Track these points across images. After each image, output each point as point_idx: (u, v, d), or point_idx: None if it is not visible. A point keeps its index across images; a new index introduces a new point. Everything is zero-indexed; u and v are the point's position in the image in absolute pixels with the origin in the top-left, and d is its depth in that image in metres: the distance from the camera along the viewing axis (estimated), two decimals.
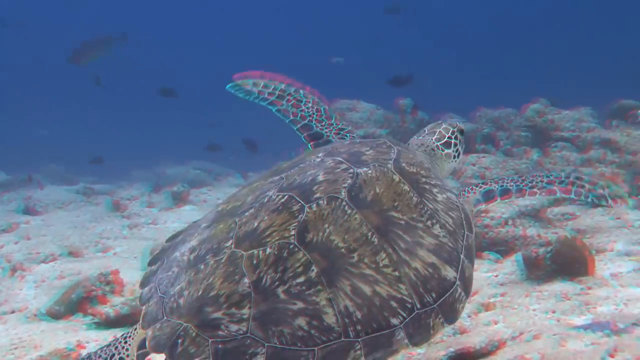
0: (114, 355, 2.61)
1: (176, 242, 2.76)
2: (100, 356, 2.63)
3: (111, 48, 16.86)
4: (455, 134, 3.43)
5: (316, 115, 3.47)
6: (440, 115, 16.11)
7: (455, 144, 3.40)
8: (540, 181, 3.31)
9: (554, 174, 3.42)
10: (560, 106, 14.74)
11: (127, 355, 2.60)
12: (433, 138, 3.41)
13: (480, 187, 3.26)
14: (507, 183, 3.27)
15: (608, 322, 4.43)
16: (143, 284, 2.61)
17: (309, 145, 3.44)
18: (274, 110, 3.51)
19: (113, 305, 5.30)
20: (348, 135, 3.46)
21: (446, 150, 3.37)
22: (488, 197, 3.17)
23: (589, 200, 3.36)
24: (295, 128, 3.48)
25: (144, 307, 2.42)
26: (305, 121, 3.47)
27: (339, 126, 3.51)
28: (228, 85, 3.53)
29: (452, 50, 45.55)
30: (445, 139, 3.39)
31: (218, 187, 15.18)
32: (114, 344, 2.67)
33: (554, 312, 4.81)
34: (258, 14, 53.38)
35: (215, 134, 18.96)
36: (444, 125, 3.45)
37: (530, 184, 3.27)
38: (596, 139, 10.10)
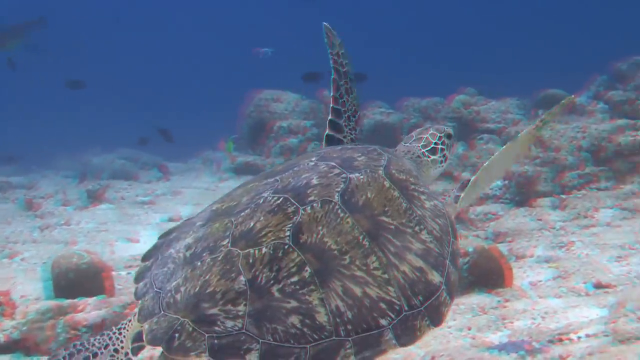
0: (107, 345, 2.64)
1: (170, 239, 2.84)
2: (93, 344, 2.66)
3: (29, 33, 15.90)
4: (443, 139, 3.42)
5: (350, 113, 3.61)
6: (369, 103, 16.15)
7: (442, 149, 3.41)
8: None
9: None
10: (488, 96, 14.89)
11: (122, 347, 2.64)
12: (419, 145, 3.41)
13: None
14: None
15: (523, 341, 4.32)
16: (138, 279, 2.68)
17: (326, 133, 3.59)
18: (331, 76, 3.59)
19: (2, 330, 4.79)
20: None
21: (432, 157, 3.38)
22: (463, 185, 3.15)
23: None
24: (331, 106, 3.59)
25: (139, 302, 2.49)
26: (342, 109, 3.60)
27: (356, 134, 3.66)
28: (325, 23, 3.58)
29: (382, 39, 45.53)
30: (431, 146, 3.39)
31: (139, 182, 14.61)
32: (108, 335, 2.71)
33: (469, 329, 4.66)
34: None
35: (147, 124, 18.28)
36: (431, 131, 3.45)
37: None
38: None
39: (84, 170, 15.64)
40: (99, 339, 2.72)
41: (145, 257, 2.84)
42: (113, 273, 6.23)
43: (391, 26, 47.32)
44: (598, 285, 5.45)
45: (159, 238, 2.97)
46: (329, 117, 3.59)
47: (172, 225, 9.30)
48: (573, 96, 3.20)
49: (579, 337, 4.31)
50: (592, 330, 4.39)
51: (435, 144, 3.39)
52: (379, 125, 13.66)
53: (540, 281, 5.75)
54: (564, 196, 8.51)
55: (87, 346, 2.68)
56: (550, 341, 4.30)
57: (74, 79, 15.97)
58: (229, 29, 46.68)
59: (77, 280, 5.36)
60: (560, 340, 4.29)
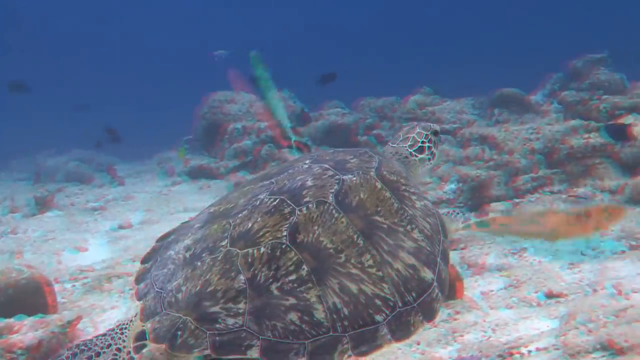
0: (110, 345, 2.69)
1: (168, 242, 2.91)
2: (96, 344, 2.70)
3: None
4: (429, 137, 3.55)
5: None
6: (326, 103, 16.03)
7: (429, 147, 3.54)
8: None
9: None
10: (444, 95, 14.91)
11: (124, 346, 2.69)
12: (406, 145, 3.55)
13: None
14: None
15: (473, 357, 4.22)
16: (138, 280, 2.74)
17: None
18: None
19: None
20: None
21: (420, 156, 3.52)
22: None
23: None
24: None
25: (141, 302, 2.55)
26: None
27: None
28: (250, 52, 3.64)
29: (336, 37, 45.47)
30: (418, 145, 3.53)
31: (91, 186, 14.23)
32: (110, 334, 2.76)
33: (418, 343, 4.53)
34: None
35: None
36: (417, 130, 3.58)
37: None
38: (474, 135, 10.03)
39: (38, 172, 15.29)
40: (101, 339, 2.77)
41: (145, 260, 2.91)
42: (57, 286, 6.00)
43: (355, 25, 47.21)
44: (549, 295, 5.39)
45: (157, 241, 3.05)
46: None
47: (121, 233, 9.12)
48: None
49: (529, 351, 4.23)
50: (542, 343, 4.32)
51: (422, 142, 3.53)
52: (334, 127, 13.52)
53: (492, 291, 5.66)
54: (517, 200, 8.47)
55: (89, 346, 2.72)
56: (501, 356, 4.21)
57: (16, 81, 15.35)
58: (193, 26, 46.01)
59: (16, 297, 5.11)
60: (511, 354, 4.21)
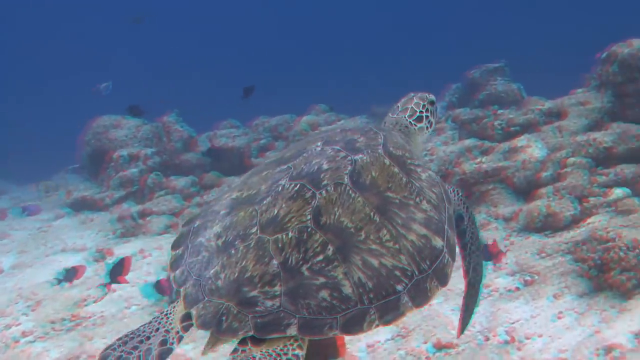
0: (158, 328, 2.84)
1: (196, 228, 3.04)
2: (144, 331, 2.85)
3: None
4: (426, 106, 3.72)
5: None
6: (220, 122, 15.45)
7: (427, 117, 3.71)
8: (473, 260, 3.48)
9: (479, 263, 3.53)
10: (340, 111, 14.63)
11: (172, 328, 2.81)
12: (406, 115, 3.71)
13: (461, 203, 3.48)
14: (469, 228, 3.49)
15: None
16: (173, 267, 2.90)
17: None
18: None
19: None
20: None
21: (419, 125, 3.68)
22: (455, 223, 3.32)
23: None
24: None
25: (182, 289, 2.74)
26: None
27: None
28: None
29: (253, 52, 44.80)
30: (417, 115, 3.69)
31: None
32: (157, 320, 2.90)
33: None
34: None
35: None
36: (415, 101, 3.74)
37: (469, 252, 3.46)
38: None
39: None
40: (147, 326, 2.89)
41: (175, 246, 3.04)
42: None
43: (265, 39, 46.66)
44: (439, 346, 5.01)
45: (182, 226, 3.18)
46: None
47: None
48: None
49: None
50: None
51: (420, 112, 3.69)
52: (224, 151, 12.89)
53: (379, 342, 5.22)
54: None
55: (138, 333, 2.85)
56: None
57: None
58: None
59: None
60: None
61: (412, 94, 3.81)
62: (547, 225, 7.19)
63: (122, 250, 9.10)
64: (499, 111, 11.12)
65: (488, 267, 6.57)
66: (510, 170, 8.24)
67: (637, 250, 5.35)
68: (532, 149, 8.56)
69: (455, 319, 5.57)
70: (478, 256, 3.48)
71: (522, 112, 10.35)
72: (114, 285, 7.29)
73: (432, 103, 3.77)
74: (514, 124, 10.07)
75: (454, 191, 3.47)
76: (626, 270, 5.25)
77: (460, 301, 5.85)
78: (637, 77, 8.68)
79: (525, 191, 8.10)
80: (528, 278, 6.22)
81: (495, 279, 6.35)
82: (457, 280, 5.96)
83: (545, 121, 9.90)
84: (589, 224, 6.94)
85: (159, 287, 6.87)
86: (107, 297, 7.26)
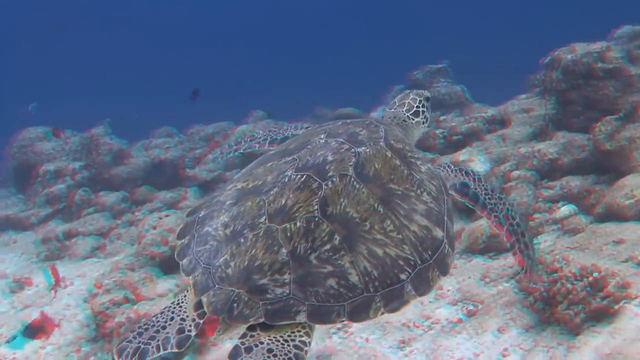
0: (173, 317, 2.87)
1: (201, 217, 3.09)
2: (159, 320, 2.86)
3: None
4: (422, 102, 3.85)
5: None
6: (156, 131, 14.83)
7: (423, 112, 3.85)
8: (500, 209, 3.53)
9: (511, 209, 3.57)
10: (279, 118, 14.12)
11: (187, 316, 2.85)
12: (403, 109, 3.83)
13: (459, 173, 3.56)
14: (479, 188, 3.54)
15: None
16: (180, 256, 2.95)
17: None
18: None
19: None
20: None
21: (416, 119, 3.82)
22: (462, 192, 3.47)
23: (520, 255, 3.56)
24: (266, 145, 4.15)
25: (191, 277, 2.79)
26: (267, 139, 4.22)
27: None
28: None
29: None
30: (414, 109, 3.81)
31: None
32: (171, 309, 2.93)
33: None
34: None
35: None
36: (411, 96, 3.87)
37: (493, 207, 3.51)
38: None
39: None
40: (162, 315, 2.91)
41: (180, 236, 3.08)
42: None
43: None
44: None
45: (187, 216, 3.21)
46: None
47: None
48: None
49: None
50: None
51: (417, 107, 3.81)
52: (156, 165, 12.21)
53: None
54: None
55: (153, 322, 2.87)
56: None
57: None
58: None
59: None
60: None
61: (408, 91, 3.96)
62: (491, 246, 6.81)
63: (41, 278, 8.36)
64: (442, 117, 10.79)
65: (425, 299, 6.15)
66: None
67: (585, 280, 4.99)
68: (475, 162, 8.22)
69: (394, 358, 5.14)
70: (504, 202, 3.54)
71: (465, 120, 10.05)
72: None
73: (427, 99, 3.93)
74: (456, 133, 9.76)
75: (447, 167, 3.59)
76: (574, 303, 4.87)
77: (398, 335, 5.46)
78: (581, 84, 8.43)
79: (469, 209, 7.73)
80: (471, 307, 5.82)
81: (436, 309, 5.92)
82: (397, 313, 5.54)
83: (489, 129, 9.61)
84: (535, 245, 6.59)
85: (31, 330, 6.19)
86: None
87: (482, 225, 6.96)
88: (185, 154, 12.74)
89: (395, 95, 12.63)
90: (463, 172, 3.58)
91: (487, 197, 3.53)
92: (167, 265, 7.55)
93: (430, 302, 6.12)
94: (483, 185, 3.58)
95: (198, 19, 49.61)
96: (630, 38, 9.21)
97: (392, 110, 3.91)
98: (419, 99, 3.86)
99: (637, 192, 6.35)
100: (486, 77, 18.57)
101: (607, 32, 9.54)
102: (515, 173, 7.80)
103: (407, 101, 3.86)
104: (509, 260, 6.43)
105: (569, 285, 4.95)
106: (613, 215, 6.58)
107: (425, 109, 3.87)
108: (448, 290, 6.21)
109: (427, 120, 3.90)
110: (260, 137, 4.31)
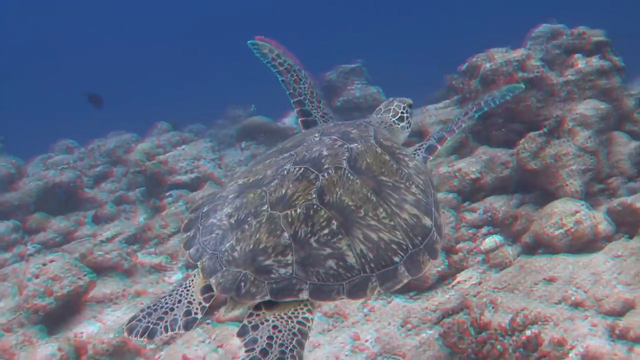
0: (181, 300, 3.03)
1: (205, 212, 3.32)
2: (167, 303, 3.02)
3: None
4: (406, 108, 4.11)
5: (309, 96, 4.15)
6: (57, 144, 13.90)
7: (407, 117, 4.09)
8: (464, 114, 4.09)
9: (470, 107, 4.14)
10: (185, 129, 13.28)
11: (194, 300, 3.02)
12: (389, 115, 4.06)
13: (422, 146, 3.90)
14: (440, 132, 3.98)
15: None
16: (187, 246, 3.18)
17: (298, 119, 4.18)
18: (279, 80, 4.13)
19: None
20: (329, 119, 4.11)
21: (401, 124, 4.05)
22: (430, 150, 3.84)
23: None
24: (292, 101, 4.12)
25: (199, 263, 3.02)
26: (301, 97, 4.14)
27: (324, 110, 4.19)
28: (249, 42, 4.16)
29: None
30: (399, 115, 4.04)
31: None
32: (177, 293, 3.10)
33: None
34: None
35: None
36: (395, 103, 4.10)
37: (456, 123, 4.01)
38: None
39: None
40: (169, 298, 3.08)
41: (186, 229, 3.31)
42: None
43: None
44: None
45: (190, 212, 3.43)
46: (296, 110, 4.13)
47: None
48: None
49: None
50: None
51: (402, 113, 4.07)
52: (50, 188, 11.02)
53: None
54: None
55: (161, 304, 3.02)
56: None
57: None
58: None
59: None
60: None
61: (392, 99, 4.18)
62: (411, 284, 6.17)
63: None
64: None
65: (341, 353, 5.45)
66: None
67: (517, 336, 4.42)
68: None
69: None
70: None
71: None
72: None
73: (410, 106, 4.13)
74: None
75: (422, 146, 3.87)
76: None
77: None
78: None
79: None
80: None
81: None
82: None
83: (406, 142, 9.02)
84: (459, 282, 6.01)
85: None
86: None
87: None
88: (84, 172, 11.80)
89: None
90: (423, 144, 3.93)
91: (445, 129, 3.98)
92: (52, 319, 6.65)
93: (347, 355, 5.44)
94: (442, 129, 4.02)
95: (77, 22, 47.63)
96: (548, 37, 8.81)
97: (379, 116, 4.15)
98: (402, 105, 4.11)
99: (567, 220, 5.85)
100: (403, 77, 18.20)
101: (525, 30, 9.16)
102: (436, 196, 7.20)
103: (392, 107, 4.11)
104: (430, 302, 5.83)
105: (499, 347, 4.36)
106: (542, 245, 6.08)
107: (408, 115, 4.12)
108: (366, 341, 5.56)
109: (409, 125, 4.16)
110: None
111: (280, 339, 2.74)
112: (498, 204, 6.92)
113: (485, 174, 7.31)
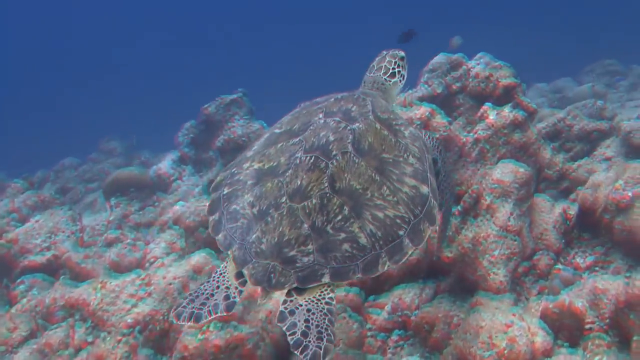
0: (219, 286, 3.37)
1: (226, 195, 3.65)
2: (206, 289, 3.37)
3: None
4: (398, 62, 4.45)
5: None
6: None
7: (399, 71, 4.45)
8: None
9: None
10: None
11: (230, 284, 3.35)
12: (381, 73, 4.45)
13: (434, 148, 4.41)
14: (442, 165, 4.40)
15: None
16: (215, 231, 3.51)
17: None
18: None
19: None
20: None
21: (393, 80, 4.45)
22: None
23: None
24: None
25: (230, 252, 3.36)
26: None
27: None
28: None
29: None
30: (390, 71, 4.45)
31: None
32: (215, 279, 3.44)
33: None
34: None
35: None
36: (387, 59, 4.47)
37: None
38: (59, 302, 6.73)
39: None
40: (208, 285, 3.42)
41: (211, 211, 3.64)
42: None
43: None
44: None
45: (211, 192, 3.77)
46: None
47: None
48: None
49: None
50: None
51: (393, 68, 4.46)
52: None
53: None
54: None
55: (202, 291, 3.39)
56: None
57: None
58: None
59: None
60: None
61: (385, 53, 4.59)
62: None
63: None
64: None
65: None
66: None
67: None
68: None
69: None
70: (448, 192, 4.43)
71: None
72: None
73: (402, 59, 4.53)
74: None
75: (429, 138, 4.23)
76: None
77: None
78: None
79: None
80: None
81: None
82: None
83: None
84: None
85: None
86: None
87: None
88: None
89: (186, 134, 10.40)
90: (439, 149, 4.31)
91: (443, 180, 4.30)
92: None
93: None
94: (445, 168, 4.33)
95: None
96: (448, 69, 7.79)
97: (372, 75, 4.51)
98: (393, 60, 4.48)
99: (498, 340, 4.68)
100: (290, 103, 17.15)
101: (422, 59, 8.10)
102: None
103: (383, 64, 4.46)
104: None
105: None
106: None
107: (401, 68, 4.47)
108: None
109: (403, 78, 4.52)
110: None
111: (314, 321, 3.11)
112: (409, 298, 5.73)
113: None
